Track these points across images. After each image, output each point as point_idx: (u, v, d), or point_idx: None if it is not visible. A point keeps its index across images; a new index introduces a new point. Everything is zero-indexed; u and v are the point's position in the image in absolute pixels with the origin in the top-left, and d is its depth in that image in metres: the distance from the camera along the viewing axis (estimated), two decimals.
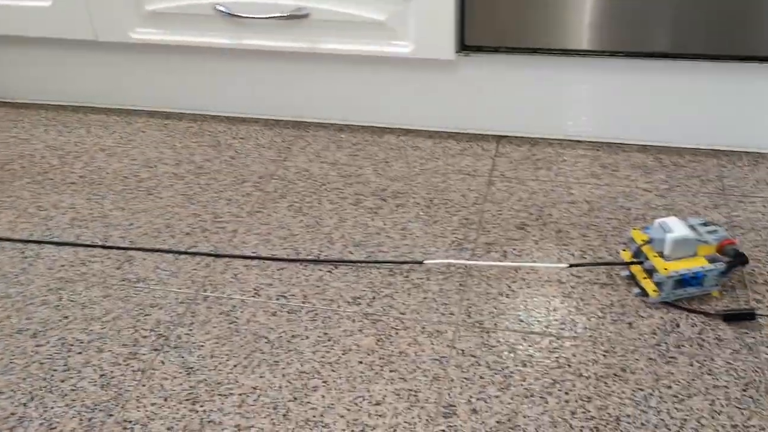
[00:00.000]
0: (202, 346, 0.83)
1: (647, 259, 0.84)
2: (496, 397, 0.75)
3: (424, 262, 0.92)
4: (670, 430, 0.71)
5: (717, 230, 0.85)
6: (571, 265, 0.89)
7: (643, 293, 0.85)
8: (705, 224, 0.85)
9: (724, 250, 0.84)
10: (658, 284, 0.84)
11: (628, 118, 1.13)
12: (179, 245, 1.00)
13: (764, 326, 0.81)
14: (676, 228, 0.83)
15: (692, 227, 0.85)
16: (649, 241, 0.84)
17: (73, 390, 0.79)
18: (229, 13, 1.14)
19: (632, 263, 0.86)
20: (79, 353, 0.83)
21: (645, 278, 0.85)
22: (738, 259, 0.84)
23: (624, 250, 0.91)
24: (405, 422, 0.73)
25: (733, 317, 0.81)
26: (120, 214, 1.07)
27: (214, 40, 1.18)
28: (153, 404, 0.77)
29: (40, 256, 0.99)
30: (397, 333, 0.84)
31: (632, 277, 0.88)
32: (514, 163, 1.14)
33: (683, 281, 0.83)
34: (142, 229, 1.04)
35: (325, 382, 0.78)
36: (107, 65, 1.30)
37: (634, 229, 0.88)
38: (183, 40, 1.20)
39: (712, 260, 0.83)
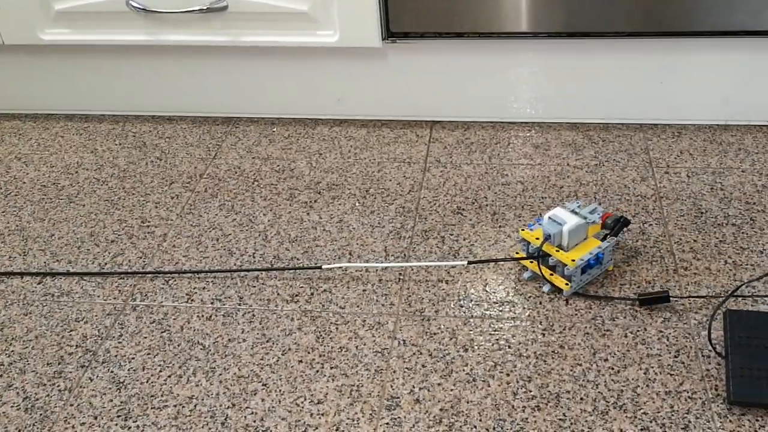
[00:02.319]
0: (133, 358, 0.80)
1: (549, 255, 0.83)
2: (439, 384, 0.75)
3: (323, 267, 0.89)
4: (608, 402, 0.72)
5: (595, 208, 0.87)
6: (470, 263, 0.89)
7: (555, 289, 0.85)
8: (580, 206, 0.87)
9: (605, 223, 0.86)
10: (568, 277, 0.83)
11: (557, 97, 1.14)
12: (104, 254, 0.95)
13: (693, 293, 0.84)
14: (567, 218, 0.83)
15: (575, 212, 0.85)
16: (547, 238, 0.83)
17: None
18: (143, 9, 1.09)
19: (528, 258, 0.85)
20: (0, 376, 0.78)
21: (552, 275, 0.84)
22: (621, 226, 0.86)
23: (517, 253, 0.88)
24: (348, 419, 0.72)
25: (649, 301, 0.81)
26: (39, 226, 1.02)
27: (130, 37, 1.13)
28: (82, 424, 0.73)
29: None
30: (337, 328, 0.82)
31: (538, 277, 0.86)
32: (448, 148, 1.14)
33: (586, 266, 0.83)
34: (64, 239, 0.98)
35: (264, 384, 0.76)
36: (19, 69, 1.23)
37: (522, 230, 0.86)
38: (97, 39, 1.14)
39: (599, 238, 0.85)
